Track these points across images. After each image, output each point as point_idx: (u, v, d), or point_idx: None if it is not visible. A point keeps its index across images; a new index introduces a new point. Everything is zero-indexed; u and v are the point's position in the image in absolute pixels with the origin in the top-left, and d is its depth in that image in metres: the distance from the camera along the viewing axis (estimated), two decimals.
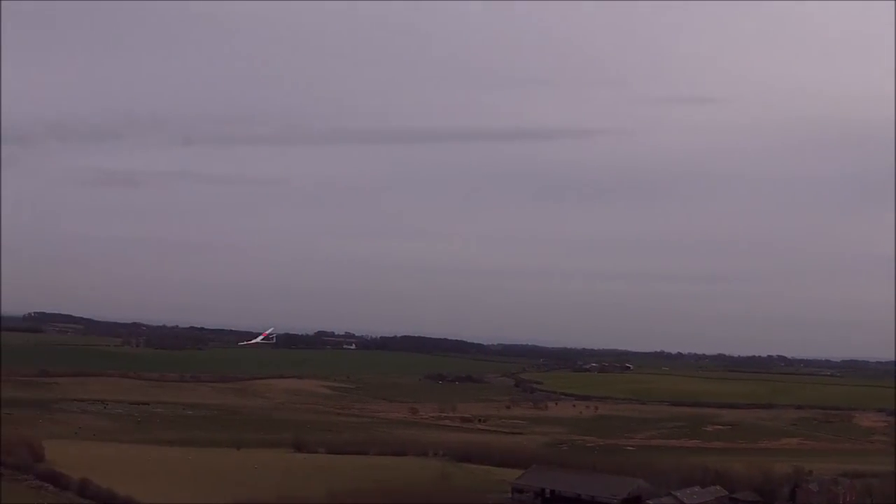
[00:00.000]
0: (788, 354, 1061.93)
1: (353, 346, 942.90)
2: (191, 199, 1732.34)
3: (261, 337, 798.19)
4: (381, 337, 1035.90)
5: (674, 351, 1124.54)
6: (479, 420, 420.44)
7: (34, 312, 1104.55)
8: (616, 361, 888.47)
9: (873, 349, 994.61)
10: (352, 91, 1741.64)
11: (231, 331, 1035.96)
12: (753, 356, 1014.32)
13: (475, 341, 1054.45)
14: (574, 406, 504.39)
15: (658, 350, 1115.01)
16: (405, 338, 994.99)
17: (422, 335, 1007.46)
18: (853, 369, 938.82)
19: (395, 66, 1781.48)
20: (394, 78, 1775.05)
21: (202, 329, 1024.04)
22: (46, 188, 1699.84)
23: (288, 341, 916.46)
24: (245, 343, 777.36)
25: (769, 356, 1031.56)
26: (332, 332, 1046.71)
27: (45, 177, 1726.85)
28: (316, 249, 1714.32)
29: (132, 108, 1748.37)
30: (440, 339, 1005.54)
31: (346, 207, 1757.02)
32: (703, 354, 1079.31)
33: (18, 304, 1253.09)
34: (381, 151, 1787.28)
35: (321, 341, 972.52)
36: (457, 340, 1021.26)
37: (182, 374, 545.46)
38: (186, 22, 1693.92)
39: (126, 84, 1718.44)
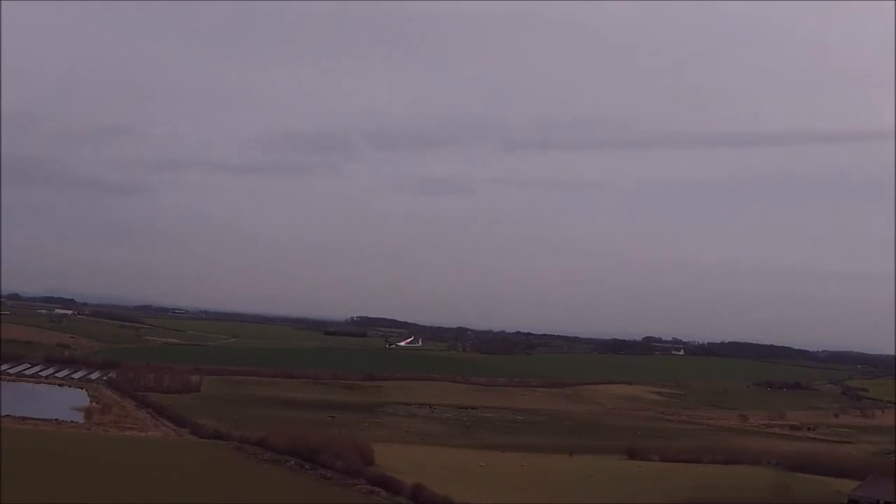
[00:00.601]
0: None
1: (682, 352, 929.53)
2: (513, 204, 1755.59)
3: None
4: (707, 343, 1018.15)
5: None
6: (809, 428, 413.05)
7: (357, 317, 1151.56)
8: None
9: None
10: (670, 94, 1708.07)
11: (559, 336, 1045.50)
12: None
13: (801, 348, 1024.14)
14: None
15: None
16: (731, 344, 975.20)
17: (748, 341, 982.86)
18: None
19: (710, 69, 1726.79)
20: (706, 80, 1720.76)
21: (529, 334, 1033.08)
22: (367, 196, 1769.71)
23: (615, 346, 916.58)
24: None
25: None
26: (660, 338, 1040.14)
27: (366, 185, 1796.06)
28: (640, 254, 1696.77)
29: (451, 116, 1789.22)
30: (766, 345, 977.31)
31: (665, 211, 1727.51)
32: None
33: (342, 308, 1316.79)
34: (705, 155, 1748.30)
35: (649, 347, 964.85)
36: (783, 347, 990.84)
37: (510, 378, 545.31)
38: (507, 27, 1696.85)
39: (445, 91, 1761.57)
